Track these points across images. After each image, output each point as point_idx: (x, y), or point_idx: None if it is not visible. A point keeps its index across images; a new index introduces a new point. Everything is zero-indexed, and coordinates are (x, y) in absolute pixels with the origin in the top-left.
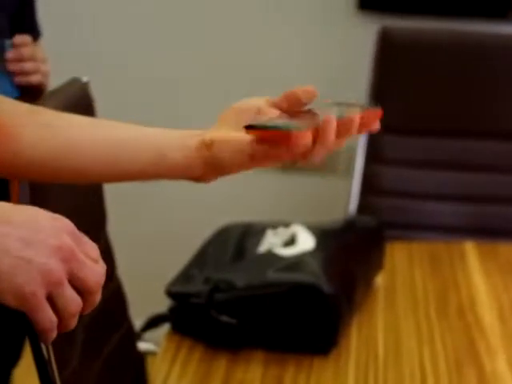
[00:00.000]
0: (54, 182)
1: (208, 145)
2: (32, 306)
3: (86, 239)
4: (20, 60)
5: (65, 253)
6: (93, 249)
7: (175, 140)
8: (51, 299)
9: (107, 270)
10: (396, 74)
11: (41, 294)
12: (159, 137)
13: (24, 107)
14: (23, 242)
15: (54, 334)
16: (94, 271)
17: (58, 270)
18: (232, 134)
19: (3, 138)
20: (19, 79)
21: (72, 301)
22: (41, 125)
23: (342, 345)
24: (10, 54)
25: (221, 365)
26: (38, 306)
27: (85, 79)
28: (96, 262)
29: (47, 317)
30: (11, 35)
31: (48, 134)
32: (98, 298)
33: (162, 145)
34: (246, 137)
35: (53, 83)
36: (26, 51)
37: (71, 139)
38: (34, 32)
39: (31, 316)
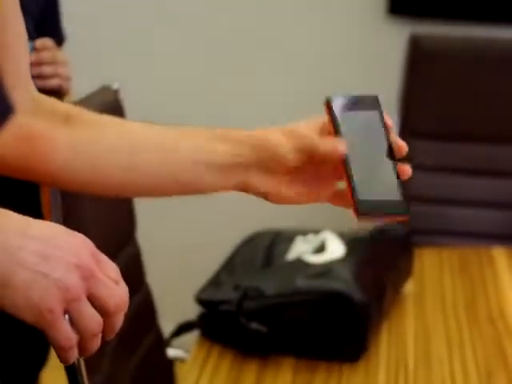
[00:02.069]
0: (83, 192)
1: (255, 192)
2: (48, 323)
3: (105, 259)
4: (40, 64)
5: (83, 271)
6: (112, 269)
7: (214, 177)
8: (70, 317)
9: (137, 278)
10: (426, 81)
11: (58, 311)
12: (197, 173)
13: (62, 112)
14: (40, 256)
15: (73, 354)
16: (114, 291)
17: (76, 286)
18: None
19: (36, 149)
20: (37, 83)
21: (91, 319)
22: (74, 141)
23: (371, 352)
24: (30, 58)
25: (251, 371)
26: (55, 323)
27: (115, 86)
28: (116, 282)
29: (64, 334)
30: (35, 39)
31: (79, 154)
32: (119, 320)
33: (200, 182)
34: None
35: (82, 89)
36: (47, 55)
37: (102, 164)
38: (58, 36)
39: (48, 333)
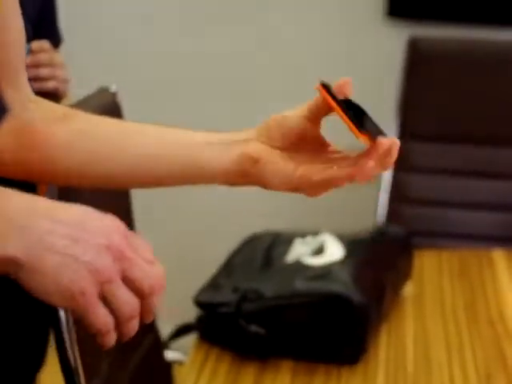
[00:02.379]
0: (80, 186)
1: (253, 161)
2: (82, 306)
3: (138, 240)
4: (37, 66)
5: (114, 252)
6: (146, 250)
7: (213, 152)
8: (105, 301)
9: None
10: (425, 83)
11: (90, 294)
12: (195, 149)
13: (59, 112)
14: (70, 239)
15: (111, 338)
16: (148, 273)
17: (108, 268)
18: (279, 157)
19: (34, 143)
20: (34, 85)
21: (126, 302)
22: (71, 133)
23: (370, 354)
24: (26, 60)
25: (249, 374)
26: (89, 305)
27: (113, 88)
28: (151, 263)
29: (100, 317)
30: (32, 41)
31: (77, 143)
32: (155, 302)
33: (199, 157)
34: (294, 167)
35: (81, 92)
36: (43, 57)
37: (100, 151)
38: (55, 38)
39: (83, 317)
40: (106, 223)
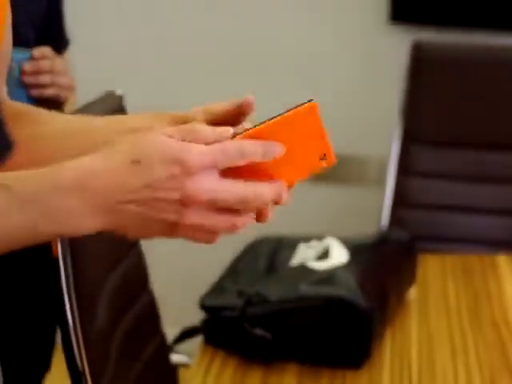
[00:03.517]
0: None
1: None
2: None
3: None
4: (37, 73)
5: (190, 202)
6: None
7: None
8: None
9: (141, 283)
10: (428, 88)
11: (181, 230)
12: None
13: (12, 113)
14: (143, 204)
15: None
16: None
17: (188, 217)
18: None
19: None
20: (33, 92)
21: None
22: (17, 137)
23: (375, 358)
24: (26, 67)
25: (254, 378)
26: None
27: (119, 92)
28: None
29: (201, 237)
30: (38, 46)
31: (20, 148)
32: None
33: None
34: None
35: (87, 95)
36: (44, 64)
37: (40, 154)
38: (62, 40)
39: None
40: (176, 172)
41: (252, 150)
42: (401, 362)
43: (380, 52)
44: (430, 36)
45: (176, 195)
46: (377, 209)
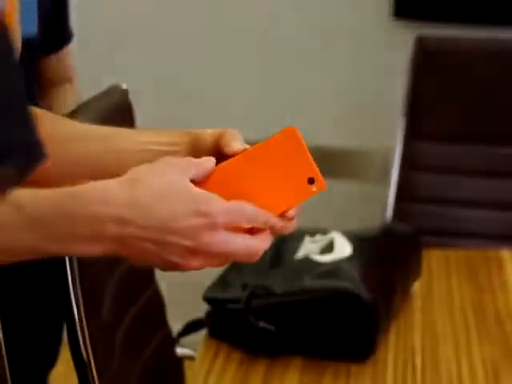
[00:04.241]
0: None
1: None
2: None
3: (236, 219)
4: None
5: (200, 251)
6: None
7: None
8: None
9: (146, 276)
10: (432, 82)
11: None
12: (134, 160)
13: None
14: (153, 243)
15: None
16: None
17: (191, 265)
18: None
19: None
20: None
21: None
22: None
23: (379, 352)
24: None
25: (258, 371)
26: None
27: (124, 86)
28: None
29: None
30: (43, 40)
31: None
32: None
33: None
34: None
35: (91, 89)
36: None
37: (54, 158)
38: (66, 33)
39: None
40: (197, 223)
41: (267, 220)
42: (405, 357)
43: (383, 47)
44: (433, 32)
45: (189, 243)
46: (381, 203)
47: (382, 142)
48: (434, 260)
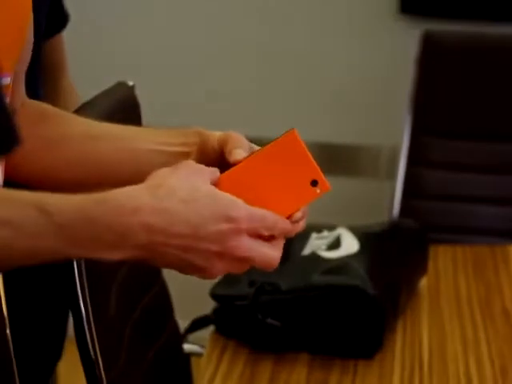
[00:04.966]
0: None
1: None
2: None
3: (261, 225)
4: None
5: (227, 256)
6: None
7: (158, 167)
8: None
9: (153, 273)
10: (439, 78)
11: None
12: (147, 161)
13: (36, 115)
14: (181, 249)
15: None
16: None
17: (218, 269)
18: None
19: None
20: None
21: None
22: (39, 140)
23: (386, 348)
24: None
25: (266, 367)
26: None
27: (131, 83)
28: (265, 254)
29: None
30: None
31: (47, 152)
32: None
33: (144, 167)
34: None
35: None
36: None
37: (61, 157)
38: (62, 19)
39: None
40: (224, 229)
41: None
42: (412, 353)
43: (389, 44)
44: (439, 28)
45: (215, 248)
46: (388, 199)
47: (389, 138)
48: (440, 256)
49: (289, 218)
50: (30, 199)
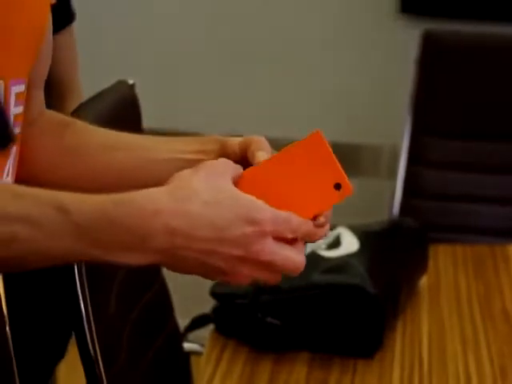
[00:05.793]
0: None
1: None
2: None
3: (286, 227)
4: None
5: (250, 260)
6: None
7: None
8: None
9: (152, 271)
10: (440, 77)
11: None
12: (164, 170)
13: (55, 124)
14: (203, 253)
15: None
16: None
17: (240, 274)
18: None
19: (23, 160)
20: None
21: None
22: (59, 149)
23: (386, 347)
24: None
25: (266, 366)
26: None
27: (131, 81)
28: (288, 259)
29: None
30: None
31: (68, 161)
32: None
33: (164, 176)
34: None
35: (100, 84)
36: None
37: (82, 167)
38: (68, 16)
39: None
40: (248, 232)
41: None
42: (412, 353)
43: (390, 44)
44: (439, 27)
45: (238, 252)
46: (388, 198)
47: (390, 138)
48: (440, 255)
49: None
50: (49, 197)
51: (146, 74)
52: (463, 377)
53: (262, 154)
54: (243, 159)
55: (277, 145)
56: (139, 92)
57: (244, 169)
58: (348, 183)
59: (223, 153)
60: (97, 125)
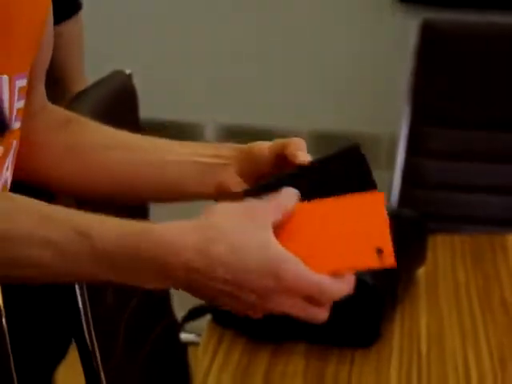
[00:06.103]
0: (77, 197)
1: (228, 191)
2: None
3: (301, 285)
4: None
5: (261, 307)
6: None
7: (194, 177)
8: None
9: None
10: (438, 66)
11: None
12: (177, 171)
13: (61, 121)
14: (222, 293)
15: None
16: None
17: (255, 314)
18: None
19: (29, 154)
20: None
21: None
22: (64, 146)
23: (384, 338)
24: None
25: (263, 357)
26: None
27: (128, 71)
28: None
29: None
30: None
31: (68, 158)
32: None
33: (181, 181)
34: None
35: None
36: None
37: (86, 164)
38: (74, 5)
39: None
40: (267, 284)
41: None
42: (410, 343)
43: (389, 32)
44: (437, 17)
45: (256, 300)
46: (387, 188)
47: (388, 127)
48: (439, 245)
49: (337, 272)
50: (72, 222)
51: (145, 63)
52: (462, 367)
53: (303, 154)
54: (275, 162)
55: (275, 134)
56: (137, 82)
57: (273, 170)
58: (392, 252)
59: (248, 158)
60: (93, 114)
